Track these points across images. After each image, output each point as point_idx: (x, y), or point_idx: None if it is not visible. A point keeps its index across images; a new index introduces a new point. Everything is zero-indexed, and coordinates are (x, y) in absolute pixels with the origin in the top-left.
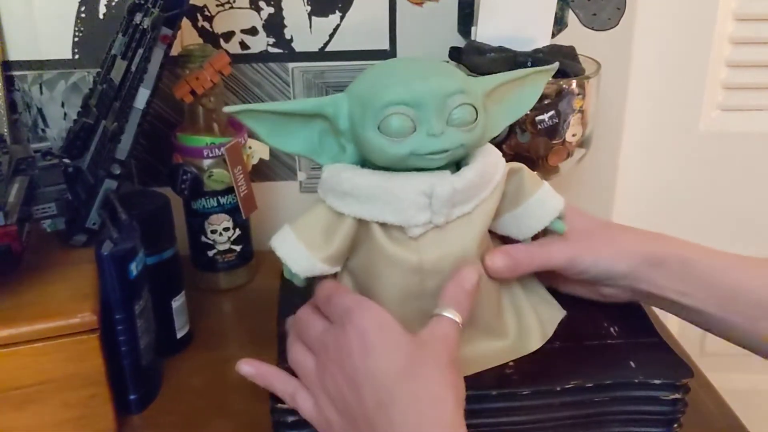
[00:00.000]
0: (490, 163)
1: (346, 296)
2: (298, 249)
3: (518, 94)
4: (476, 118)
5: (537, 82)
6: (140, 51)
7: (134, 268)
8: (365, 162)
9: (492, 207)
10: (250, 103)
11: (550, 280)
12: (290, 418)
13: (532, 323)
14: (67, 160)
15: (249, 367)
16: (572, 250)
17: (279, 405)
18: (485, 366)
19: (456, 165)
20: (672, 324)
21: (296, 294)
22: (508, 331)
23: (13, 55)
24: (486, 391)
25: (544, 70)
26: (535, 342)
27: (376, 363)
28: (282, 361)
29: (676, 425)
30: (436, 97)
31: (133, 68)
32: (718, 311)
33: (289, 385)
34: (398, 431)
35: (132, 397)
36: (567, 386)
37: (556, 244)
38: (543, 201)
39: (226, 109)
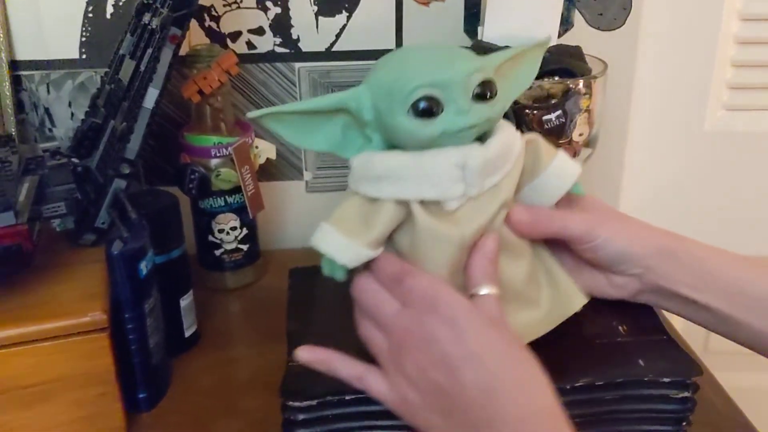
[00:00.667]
0: (510, 134)
1: (422, 280)
2: (341, 240)
3: (518, 71)
4: (496, 92)
5: (535, 57)
6: (149, 51)
7: (144, 267)
8: (392, 148)
9: (516, 177)
10: (256, 103)
11: (563, 263)
12: (300, 416)
13: (570, 285)
14: (75, 160)
15: (308, 354)
16: (590, 223)
17: (290, 403)
18: (527, 340)
19: (478, 141)
20: (676, 322)
21: (305, 293)
22: (541, 300)
23: (21, 54)
24: None
25: (539, 44)
26: (578, 301)
27: (473, 349)
28: (292, 359)
29: (685, 423)
30: (461, 76)
31: (142, 68)
32: (727, 308)
33: (356, 368)
34: (506, 415)
35: (141, 395)
36: (576, 384)
37: (576, 214)
38: (561, 168)
39: (250, 114)
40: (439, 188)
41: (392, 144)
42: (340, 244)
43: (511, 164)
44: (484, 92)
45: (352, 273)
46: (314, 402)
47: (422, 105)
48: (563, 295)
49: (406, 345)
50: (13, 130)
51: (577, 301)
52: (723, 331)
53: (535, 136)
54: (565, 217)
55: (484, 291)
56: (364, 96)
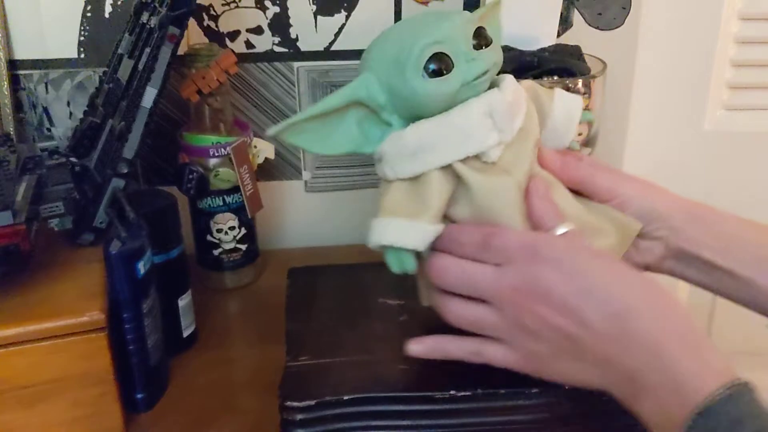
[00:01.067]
0: (512, 79)
1: (510, 234)
2: (403, 224)
3: (491, 27)
4: (491, 39)
5: (496, 14)
6: (147, 50)
7: (142, 267)
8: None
9: (535, 115)
10: (255, 102)
11: None
12: (299, 416)
13: (618, 212)
14: (74, 159)
15: (419, 346)
16: (618, 179)
17: (288, 403)
18: None
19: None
20: None
21: (304, 293)
22: (605, 228)
23: (19, 54)
24: (494, 390)
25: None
26: (635, 225)
27: (588, 284)
28: (291, 358)
29: None
30: (461, 27)
31: (141, 67)
32: (750, 273)
33: (468, 344)
34: (641, 339)
35: (139, 395)
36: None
37: (603, 170)
38: (565, 102)
39: (270, 132)
40: (476, 141)
41: (412, 120)
42: (404, 229)
43: (525, 106)
44: (481, 39)
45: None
46: (312, 402)
47: (434, 65)
48: (619, 222)
49: (519, 302)
50: (11, 129)
51: (634, 225)
52: (744, 299)
53: (530, 83)
54: (594, 169)
55: (561, 230)
56: (370, 81)
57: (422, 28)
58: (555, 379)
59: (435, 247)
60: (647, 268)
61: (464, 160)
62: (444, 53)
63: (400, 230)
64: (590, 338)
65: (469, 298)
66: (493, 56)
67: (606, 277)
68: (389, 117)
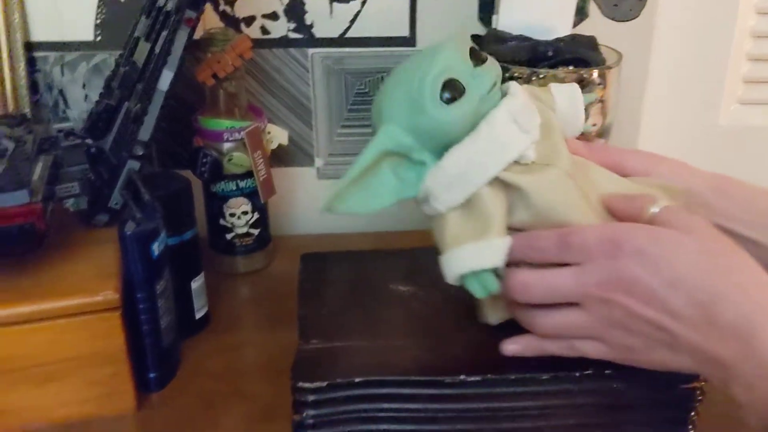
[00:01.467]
0: (516, 84)
1: (587, 231)
2: (475, 246)
3: None
4: (485, 55)
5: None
6: (164, 33)
7: (156, 248)
8: None
9: (547, 111)
10: (269, 88)
11: None
12: (311, 397)
13: (659, 180)
14: (89, 141)
15: (514, 345)
16: (649, 159)
17: (300, 384)
18: None
19: None
20: None
21: (316, 278)
22: (656, 192)
23: (36, 36)
24: (504, 376)
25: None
26: (680, 187)
27: (672, 274)
28: (304, 341)
29: (693, 413)
30: (456, 53)
31: (157, 50)
32: None
33: (565, 342)
34: (731, 322)
35: (152, 375)
36: (585, 372)
37: (632, 152)
38: (565, 94)
39: (323, 209)
40: (511, 148)
41: (443, 150)
42: (477, 251)
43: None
44: (478, 57)
45: None
46: (324, 384)
47: (448, 93)
48: (666, 188)
49: (606, 298)
50: (27, 110)
51: (680, 188)
52: None
53: (524, 86)
54: (623, 152)
55: (656, 209)
56: (391, 130)
57: (423, 66)
58: (651, 368)
59: (512, 259)
60: None
61: (506, 169)
62: (453, 78)
63: (474, 254)
64: (681, 328)
65: (554, 304)
66: (494, 68)
67: (692, 264)
68: (421, 156)
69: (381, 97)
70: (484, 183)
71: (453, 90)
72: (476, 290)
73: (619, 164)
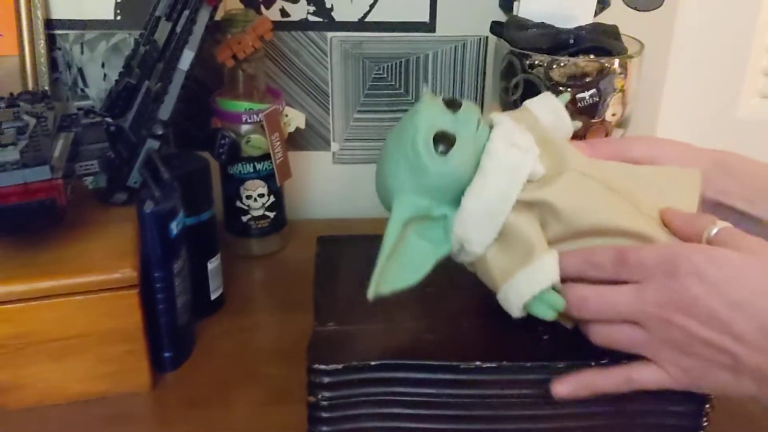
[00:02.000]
0: (496, 112)
1: (645, 249)
2: (527, 270)
3: None
4: (460, 101)
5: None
6: (186, 13)
7: (174, 228)
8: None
9: (536, 122)
10: (288, 72)
11: None
12: (326, 379)
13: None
14: (109, 119)
15: (565, 387)
16: (651, 144)
17: (316, 365)
18: None
19: None
20: None
21: (332, 261)
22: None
23: (56, 13)
24: (520, 363)
25: None
26: (695, 170)
27: (734, 297)
28: (319, 324)
29: (708, 405)
30: (433, 108)
31: (178, 30)
32: None
33: (617, 374)
34: None
35: (166, 354)
36: (601, 363)
37: (634, 139)
38: (540, 103)
39: (370, 296)
40: (520, 168)
41: (459, 196)
42: (530, 275)
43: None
44: (453, 105)
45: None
46: (339, 366)
47: (442, 145)
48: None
49: (666, 318)
50: (46, 88)
51: (695, 172)
52: None
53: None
54: (624, 142)
55: (715, 230)
56: (405, 199)
57: (409, 132)
58: (711, 393)
59: (569, 276)
60: None
61: (523, 190)
62: (440, 130)
63: (528, 279)
64: (745, 351)
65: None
66: (471, 107)
67: (755, 286)
68: (440, 210)
69: (382, 176)
70: (509, 211)
71: (445, 141)
72: (545, 313)
73: (623, 154)
